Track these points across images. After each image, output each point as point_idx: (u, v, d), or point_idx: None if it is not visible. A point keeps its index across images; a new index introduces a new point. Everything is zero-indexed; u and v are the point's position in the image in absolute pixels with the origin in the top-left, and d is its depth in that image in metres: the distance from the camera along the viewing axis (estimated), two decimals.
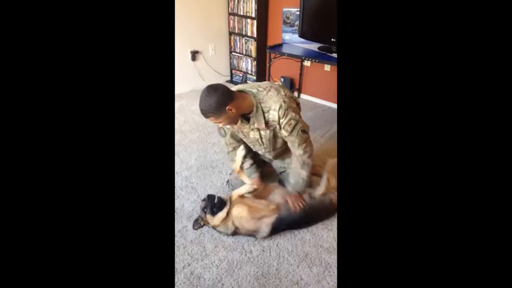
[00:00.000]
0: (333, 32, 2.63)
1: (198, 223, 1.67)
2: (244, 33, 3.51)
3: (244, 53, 3.63)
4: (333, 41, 2.67)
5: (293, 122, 1.47)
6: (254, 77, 3.64)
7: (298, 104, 1.60)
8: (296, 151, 1.58)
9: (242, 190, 1.71)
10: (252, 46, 3.50)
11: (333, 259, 1.52)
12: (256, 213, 1.60)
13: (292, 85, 3.49)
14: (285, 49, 2.97)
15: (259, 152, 1.79)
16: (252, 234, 1.62)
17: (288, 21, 3.13)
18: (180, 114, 2.99)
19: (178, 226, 1.68)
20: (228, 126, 1.55)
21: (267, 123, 1.49)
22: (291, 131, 1.49)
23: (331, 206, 1.72)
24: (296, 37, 3.03)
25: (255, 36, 3.40)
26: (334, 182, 1.74)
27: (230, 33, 3.65)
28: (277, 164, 1.90)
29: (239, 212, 1.59)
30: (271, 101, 1.45)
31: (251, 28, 3.41)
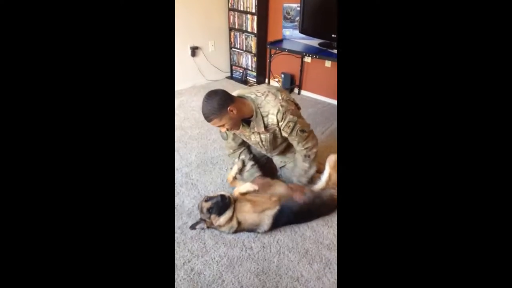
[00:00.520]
0: (334, 28, 2.62)
1: (200, 225, 1.61)
2: (244, 29, 3.49)
3: (244, 49, 3.61)
4: (334, 37, 2.66)
5: (291, 124, 1.55)
6: (254, 73, 3.63)
7: (296, 105, 1.68)
8: (298, 148, 1.68)
9: (243, 188, 1.72)
10: (252, 42, 3.49)
11: (333, 255, 1.52)
12: (259, 207, 1.61)
13: (292, 81, 3.47)
14: (286, 45, 2.96)
15: (262, 152, 1.87)
16: (253, 228, 1.62)
17: (289, 16, 3.11)
18: (180, 110, 2.98)
19: (178, 222, 1.68)
20: (229, 131, 1.61)
21: (266, 127, 1.57)
22: (291, 132, 1.57)
23: (331, 201, 1.72)
24: (296, 33, 3.02)
25: (256, 32, 3.38)
26: (335, 177, 1.74)
27: (230, 29, 3.63)
28: (277, 159, 1.93)
29: (242, 206, 1.61)
30: (269, 106, 1.53)
31: (251, 23, 3.39)
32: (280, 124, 1.54)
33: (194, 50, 3.42)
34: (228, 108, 1.42)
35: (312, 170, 1.76)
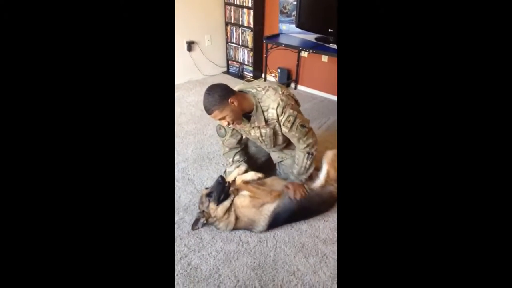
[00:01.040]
0: (331, 22, 2.61)
1: (201, 222, 1.59)
2: (240, 23, 3.46)
3: (240, 44, 3.59)
4: (331, 31, 2.65)
5: (291, 118, 1.55)
6: (251, 68, 3.61)
7: (296, 101, 1.68)
8: (298, 144, 1.66)
9: (247, 176, 1.72)
10: (249, 37, 3.47)
11: (329, 249, 1.53)
12: (257, 201, 1.60)
13: (289, 76, 3.46)
14: (282, 40, 2.95)
15: (262, 147, 1.86)
16: (250, 227, 1.61)
17: (285, 11, 3.10)
18: (176, 105, 2.96)
19: (175, 217, 1.68)
20: (230, 126, 1.59)
21: (266, 121, 1.57)
22: (291, 127, 1.57)
23: (330, 198, 1.72)
24: (293, 27, 3.00)
25: (252, 26, 3.36)
26: (333, 174, 1.73)
27: (227, 23, 3.60)
28: (274, 154, 1.93)
29: (241, 202, 1.60)
30: (270, 100, 1.53)
31: (248, 18, 3.37)
32: (280, 118, 1.54)
33: (190, 45, 3.40)
34: (229, 100, 1.43)
35: (312, 168, 1.75)
